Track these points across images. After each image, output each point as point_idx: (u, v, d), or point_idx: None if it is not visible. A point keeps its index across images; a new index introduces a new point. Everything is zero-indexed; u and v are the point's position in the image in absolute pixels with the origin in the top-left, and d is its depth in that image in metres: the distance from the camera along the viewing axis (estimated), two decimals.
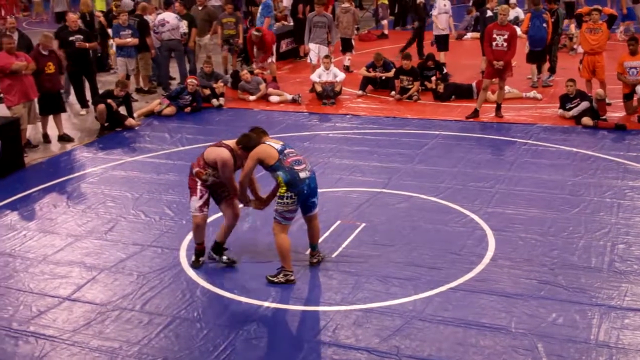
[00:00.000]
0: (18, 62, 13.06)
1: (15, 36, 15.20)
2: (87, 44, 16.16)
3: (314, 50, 17.88)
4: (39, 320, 7.77)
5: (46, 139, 14.41)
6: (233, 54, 19.44)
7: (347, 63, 19.90)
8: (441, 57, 18.76)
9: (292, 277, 8.36)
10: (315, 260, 8.71)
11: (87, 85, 16.50)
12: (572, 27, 20.78)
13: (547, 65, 17.35)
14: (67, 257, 9.26)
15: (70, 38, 15.94)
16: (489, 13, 17.98)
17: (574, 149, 12.72)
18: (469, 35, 23.65)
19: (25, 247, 9.62)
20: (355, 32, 21.86)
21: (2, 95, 14.14)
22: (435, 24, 19.01)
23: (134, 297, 8.16)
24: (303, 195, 8.16)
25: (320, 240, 9.31)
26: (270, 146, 8.20)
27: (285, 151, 8.19)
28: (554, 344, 6.98)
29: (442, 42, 19.02)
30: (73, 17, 16.43)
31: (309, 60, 18.27)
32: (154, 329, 7.49)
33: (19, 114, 13.22)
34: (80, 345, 7.27)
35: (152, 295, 8.18)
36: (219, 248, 8.91)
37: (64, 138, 14.48)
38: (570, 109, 14.44)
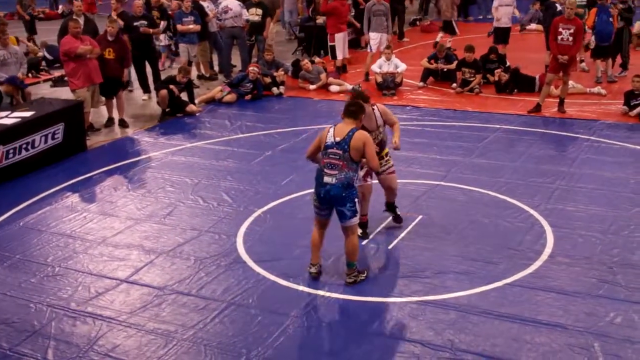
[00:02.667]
0: (83, 46, 13.26)
1: (81, 20, 15.42)
2: (150, 30, 16.34)
3: (375, 39, 17.78)
4: (96, 302, 7.89)
5: (110, 122, 14.60)
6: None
7: (448, 44, 20.23)
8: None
9: (311, 270, 8.21)
10: (350, 281, 8.07)
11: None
12: (638, 24, 20.32)
13: (617, 61, 17.11)
14: (126, 239, 9.39)
15: (135, 23, 16.14)
16: (559, 7, 17.66)
17: (638, 147, 12.45)
18: (533, 25, 23.30)
19: (85, 228, 9.78)
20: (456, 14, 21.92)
21: (66, 78, 14.36)
22: (496, 17, 18.77)
23: (191, 282, 8.24)
24: (319, 197, 7.89)
25: (376, 231, 9.32)
26: (327, 134, 7.90)
27: (330, 150, 7.83)
28: (611, 344, 6.86)
29: (500, 35, 18.74)
30: (138, 3, 16.60)
31: (369, 50, 18.19)
32: (209, 314, 7.55)
33: (82, 97, 13.43)
34: (137, 327, 7.37)
35: (209, 281, 8.25)
36: (391, 207, 9.47)
37: (121, 123, 14.65)
38: (635, 105, 14.15)
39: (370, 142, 7.86)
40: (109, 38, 14.20)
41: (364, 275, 8.19)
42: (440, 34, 21.15)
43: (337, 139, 7.79)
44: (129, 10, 17.09)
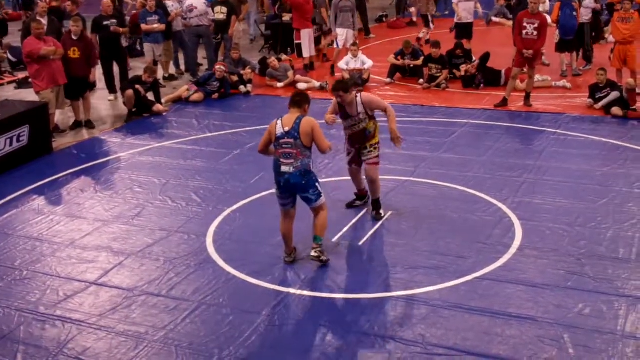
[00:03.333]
0: (46, 47, 13.12)
1: (45, 21, 15.26)
2: (120, 29, 16.22)
3: (342, 35, 17.80)
4: (65, 305, 7.82)
5: (77, 124, 14.45)
6: None
7: (421, 35, 21.13)
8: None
9: (286, 259, 8.54)
10: (315, 255, 8.34)
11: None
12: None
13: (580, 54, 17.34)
14: (94, 242, 9.32)
15: (105, 23, 15.99)
16: None
17: (603, 139, 12.59)
18: (498, 19, 23.42)
19: (53, 231, 9.69)
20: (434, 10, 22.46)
21: (30, 80, 14.21)
22: (456, 13, 18.86)
23: (161, 283, 8.19)
24: (280, 187, 8.23)
25: (346, 228, 9.33)
26: (276, 126, 8.16)
27: (282, 141, 8.11)
28: (580, 335, 6.92)
29: (462, 31, 18.81)
30: (107, 2, 16.44)
31: (335, 46, 18.21)
32: (180, 315, 7.52)
33: (47, 99, 13.30)
34: (107, 329, 7.32)
35: (179, 281, 8.21)
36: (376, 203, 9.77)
37: (87, 124, 14.50)
38: (600, 98, 14.29)
39: (318, 127, 8.20)
40: (74, 37, 14.05)
41: (326, 258, 8.41)
42: (424, 30, 21.43)
43: (286, 128, 8.11)
44: (82, 12, 16.86)
